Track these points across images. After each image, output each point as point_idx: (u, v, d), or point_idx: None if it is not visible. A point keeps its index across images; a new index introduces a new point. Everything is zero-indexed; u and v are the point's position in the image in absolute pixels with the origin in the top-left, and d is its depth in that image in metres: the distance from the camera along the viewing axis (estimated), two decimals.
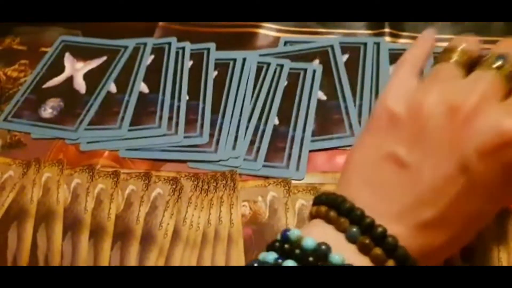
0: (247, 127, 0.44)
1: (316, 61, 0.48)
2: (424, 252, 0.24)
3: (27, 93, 0.49)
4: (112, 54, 0.52)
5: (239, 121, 0.44)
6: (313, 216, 0.27)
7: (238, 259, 0.36)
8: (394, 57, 0.48)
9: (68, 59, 0.52)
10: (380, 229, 0.23)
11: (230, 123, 0.44)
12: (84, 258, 0.37)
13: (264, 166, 0.41)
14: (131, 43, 0.52)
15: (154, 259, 0.36)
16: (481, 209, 0.24)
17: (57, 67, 0.52)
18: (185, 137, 0.44)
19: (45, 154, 0.44)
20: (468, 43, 0.27)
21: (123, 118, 0.46)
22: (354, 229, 0.24)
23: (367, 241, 0.24)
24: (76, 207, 0.39)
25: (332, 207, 0.25)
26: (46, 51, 0.53)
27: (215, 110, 0.45)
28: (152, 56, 0.51)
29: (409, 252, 0.23)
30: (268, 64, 0.48)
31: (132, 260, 0.37)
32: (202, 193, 0.39)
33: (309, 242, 0.23)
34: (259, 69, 0.48)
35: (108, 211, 0.39)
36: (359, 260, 0.24)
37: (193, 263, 0.36)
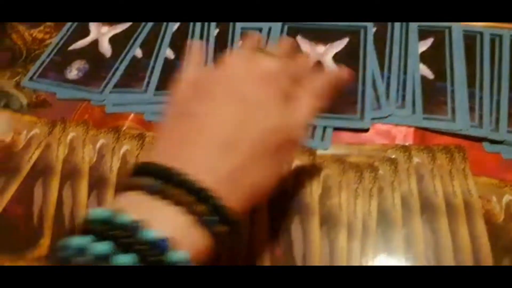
0: None
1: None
2: (229, 177, 0.26)
3: (52, 54, 0.49)
4: None
5: None
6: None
7: None
8: (423, 33, 0.47)
9: (93, 23, 0.52)
10: (173, 170, 0.25)
11: None
12: None
13: None
14: None
15: None
16: (260, 136, 0.28)
17: (82, 30, 0.51)
18: None
19: (70, 114, 0.44)
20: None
21: (148, 83, 0.46)
22: (154, 182, 0.25)
23: (167, 186, 0.25)
24: (101, 167, 0.40)
25: (136, 174, 0.26)
26: None
27: None
28: (178, 22, 0.51)
29: (210, 183, 0.25)
30: None
31: None
32: None
33: (98, 212, 0.23)
34: None
35: None
36: (160, 205, 0.24)
37: None
